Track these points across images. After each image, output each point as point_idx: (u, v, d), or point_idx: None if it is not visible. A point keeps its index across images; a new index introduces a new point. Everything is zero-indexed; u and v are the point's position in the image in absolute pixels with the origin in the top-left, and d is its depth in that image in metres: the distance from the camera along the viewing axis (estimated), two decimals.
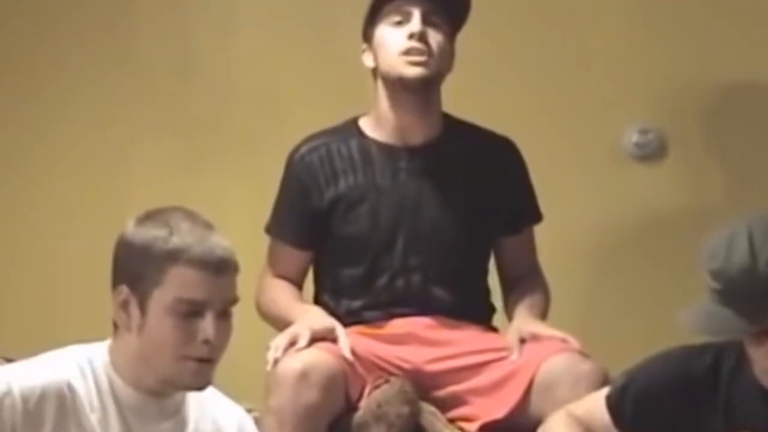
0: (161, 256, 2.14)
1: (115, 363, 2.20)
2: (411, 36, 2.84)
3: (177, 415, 2.23)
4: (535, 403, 2.70)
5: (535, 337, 2.78)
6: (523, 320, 2.85)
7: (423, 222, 2.88)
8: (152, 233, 2.16)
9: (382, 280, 2.88)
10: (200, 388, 2.20)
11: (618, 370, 2.49)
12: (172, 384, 2.19)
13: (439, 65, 2.89)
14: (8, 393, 2.09)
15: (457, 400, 2.78)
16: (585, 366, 2.70)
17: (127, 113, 3.86)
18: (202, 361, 2.15)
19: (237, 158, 3.83)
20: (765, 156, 3.66)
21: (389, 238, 2.87)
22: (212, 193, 3.82)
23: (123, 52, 3.88)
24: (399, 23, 2.87)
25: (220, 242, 2.19)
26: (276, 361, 2.65)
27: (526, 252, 2.98)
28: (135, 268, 2.17)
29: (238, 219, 3.79)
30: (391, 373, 2.76)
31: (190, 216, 2.22)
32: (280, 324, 2.85)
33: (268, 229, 3.02)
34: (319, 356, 2.65)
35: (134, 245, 2.18)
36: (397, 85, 2.87)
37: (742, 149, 3.67)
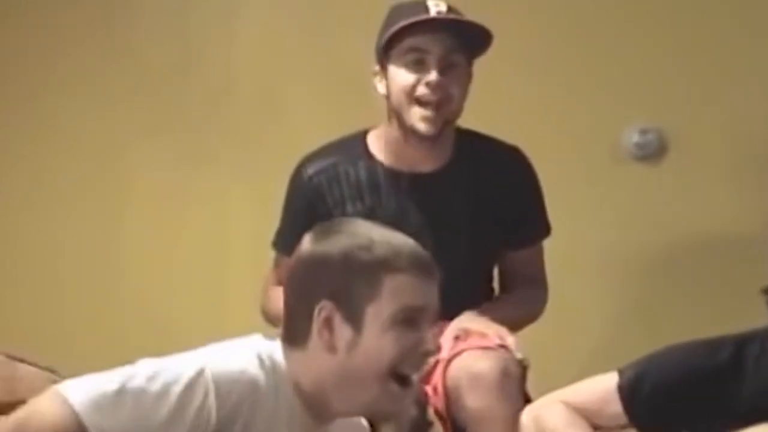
0: (372, 266, 1.98)
1: (297, 384, 2.01)
2: (427, 85, 2.73)
3: None
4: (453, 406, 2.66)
5: (466, 333, 2.72)
6: (465, 317, 2.79)
7: (427, 249, 2.83)
8: (348, 243, 2.00)
9: None
10: (397, 413, 2.10)
11: (614, 366, 2.47)
12: (372, 409, 2.02)
13: (455, 111, 2.79)
14: (201, 373, 1.93)
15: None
16: (482, 364, 2.61)
17: (127, 112, 3.85)
18: (405, 382, 1.99)
19: (237, 157, 3.83)
20: (765, 156, 3.66)
21: None
22: (212, 191, 3.82)
23: (123, 50, 3.87)
24: (416, 63, 2.75)
25: (415, 244, 2.05)
26: None
27: (529, 264, 2.94)
28: (338, 282, 1.98)
29: (239, 217, 3.80)
30: None
31: (369, 222, 2.12)
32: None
33: (275, 244, 2.98)
34: None
35: (332, 258, 1.99)
36: (407, 128, 2.79)
37: (742, 149, 3.66)
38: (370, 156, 2.86)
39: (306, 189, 2.87)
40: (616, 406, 2.38)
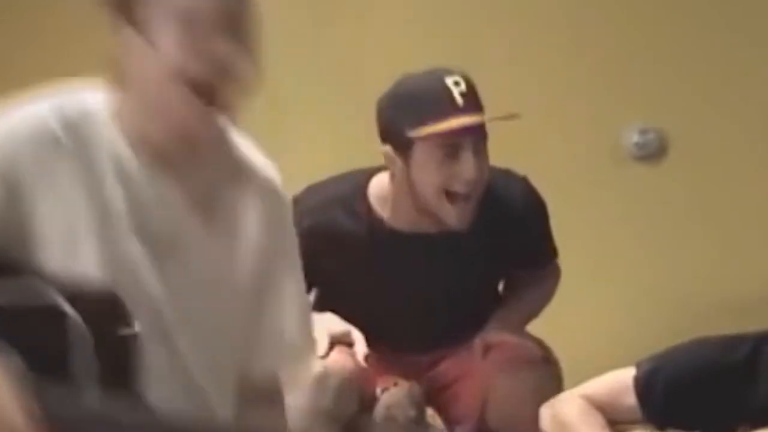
0: None
1: (121, 128, 1.90)
2: (466, 183, 2.60)
3: None
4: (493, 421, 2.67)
5: (498, 346, 2.73)
6: (496, 323, 2.79)
7: (437, 302, 2.79)
8: None
9: (388, 344, 2.80)
10: (205, 135, 1.94)
11: (615, 366, 2.48)
12: (181, 130, 1.90)
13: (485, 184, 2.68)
14: None
15: (446, 405, 2.80)
16: (526, 382, 2.63)
17: None
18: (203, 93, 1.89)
19: None
20: (765, 156, 3.66)
21: (397, 320, 2.79)
22: None
23: None
24: (448, 155, 2.60)
25: None
26: None
27: (537, 278, 2.93)
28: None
29: None
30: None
31: None
32: None
33: None
34: (338, 358, 2.63)
35: None
36: (432, 215, 2.67)
37: (742, 149, 3.66)
38: (371, 213, 2.74)
39: (300, 241, 2.78)
40: (631, 399, 2.37)
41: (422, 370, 2.83)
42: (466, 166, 2.59)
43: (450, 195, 2.63)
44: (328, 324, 2.71)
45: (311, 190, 2.80)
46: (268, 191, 2.06)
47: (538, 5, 3.73)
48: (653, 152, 3.70)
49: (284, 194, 2.09)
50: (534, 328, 2.94)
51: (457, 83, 2.63)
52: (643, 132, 3.69)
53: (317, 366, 2.59)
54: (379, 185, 2.75)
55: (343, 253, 2.73)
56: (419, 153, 2.62)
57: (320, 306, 2.90)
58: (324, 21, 3.83)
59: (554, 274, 2.94)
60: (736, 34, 3.66)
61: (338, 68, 3.73)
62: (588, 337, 3.60)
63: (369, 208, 2.74)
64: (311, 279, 2.84)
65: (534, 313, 2.91)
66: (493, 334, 2.78)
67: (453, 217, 2.63)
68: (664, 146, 3.70)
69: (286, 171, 2.96)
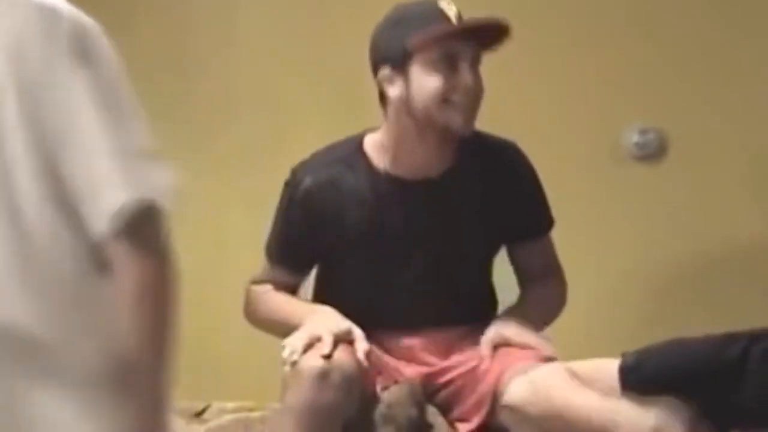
0: None
1: None
2: (465, 92, 2.72)
3: None
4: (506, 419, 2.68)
5: (507, 343, 2.74)
6: (502, 323, 2.81)
7: (436, 252, 2.82)
8: None
9: (391, 307, 2.83)
10: None
11: None
12: None
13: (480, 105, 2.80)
14: None
15: (450, 403, 2.79)
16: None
17: None
18: None
19: (236, 158, 3.83)
20: (765, 156, 3.66)
21: (399, 271, 2.82)
22: (211, 199, 3.82)
23: (122, 52, 3.87)
24: (447, 68, 2.72)
25: None
26: (294, 363, 2.61)
27: (540, 256, 2.95)
28: None
29: (237, 219, 3.80)
30: (391, 377, 2.77)
31: None
32: (282, 329, 2.78)
33: (268, 253, 2.95)
34: (340, 355, 2.62)
35: None
36: (432, 128, 2.76)
37: (742, 149, 3.66)
38: (370, 165, 2.82)
39: (303, 200, 2.83)
40: (613, 382, 2.38)
41: (417, 355, 2.82)
42: (464, 74, 2.71)
43: (450, 104, 2.72)
44: (329, 322, 2.71)
45: (306, 160, 2.88)
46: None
47: (538, 5, 3.73)
48: (653, 152, 3.70)
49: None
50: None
51: (449, 6, 2.76)
52: (643, 132, 3.70)
53: (319, 363, 2.59)
54: (373, 140, 2.84)
55: (345, 210, 2.80)
56: (419, 66, 2.72)
57: (320, 287, 2.95)
58: (324, 23, 3.84)
59: (564, 289, 2.97)
60: (736, 34, 3.67)
61: (338, 70, 3.74)
62: (588, 336, 3.60)
63: (368, 162, 2.82)
64: (313, 253, 2.89)
65: (545, 317, 2.91)
66: (503, 328, 2.78)
67: (458, 120, 2.72)
68: (664, 146, 3.70)
69: (286, 172, 2.98)
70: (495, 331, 2.78)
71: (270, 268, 2.95)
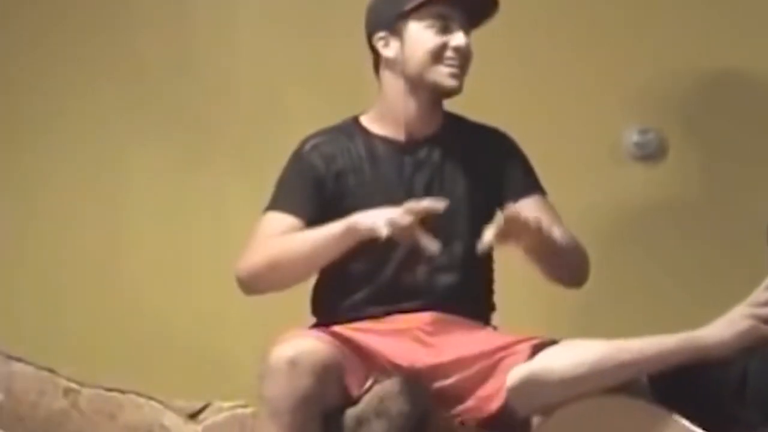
0: None
1: None
2: (455, 49, 2.90)
3: None
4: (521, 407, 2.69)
5: (521, 224, 2.66)
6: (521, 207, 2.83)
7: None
8: None
9: (387, 273, 2.88)
10: None
11: None
12: None
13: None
14: None
15: (451, 396, 2.78)
16: None
17: (126, 113, 3.86)
18: None
19: (236, 159, 3.83)
20: (765, 156, 3.66)
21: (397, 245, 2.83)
22: (211, 193, 3.82)
23: (121, 52, 3.88)
24: (442, 28, 2.92)
25: None
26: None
27: (540, 212, 2.88)
28: None
29: (237, 218, 3.80)
30: (386, 369, 2.76)
31: None
32: (305, 267, 2.84)
33: (275, 205, 2.94)
34: (313, 344, 2.64)
35: None
36: (423, 86, 2.92)
37: (742, 149, 3.66)
38: (366, 132, 2.97)
39: (312, 158, 2.94)
40: None
41: (414, 332, 2.82)
42: (456, 35, 2.89)
43: (442, 62, 2.90)
44: (382, 214, 2.72)
45: (310, 134, 3.01)
46: None
47: (538, 5, 3.73)
48: (653, 152, 3.70)
49: None
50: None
51: None
52: (643, 132, 3.70)
53: (287, 353, 2.59)
54: (368, 114, 3.00)
55: (346, 168, 2.93)
56: (414, 29, 2.91)
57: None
58: (324, 23, 3.84)
59: (585, 254, 3.00)
60: (736, 35, 3.67)
61: (338, 70, 3.74)
62: (588, 336, 3.59)
63: (363, 129, 2.98)
64: (320, 202, 2.92)
65: (556, 244, 2.82)
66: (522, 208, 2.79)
67: (447, 76, 2.90)
68: (664, 146, 3.70)
69: None
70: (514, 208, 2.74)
71: (275, 223, 2.92)
